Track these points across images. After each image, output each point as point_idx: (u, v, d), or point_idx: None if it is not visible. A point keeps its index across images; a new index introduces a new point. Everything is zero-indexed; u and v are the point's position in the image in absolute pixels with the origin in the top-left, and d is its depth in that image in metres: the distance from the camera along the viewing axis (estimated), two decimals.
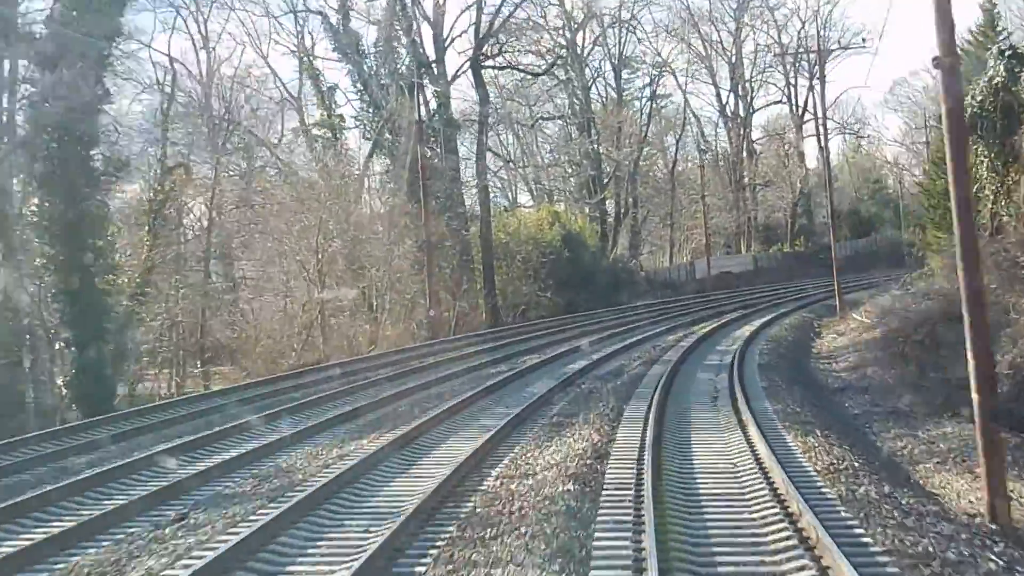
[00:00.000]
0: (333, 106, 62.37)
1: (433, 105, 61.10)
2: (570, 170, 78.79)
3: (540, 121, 79.00)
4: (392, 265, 47.89)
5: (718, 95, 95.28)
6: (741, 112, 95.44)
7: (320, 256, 43.95)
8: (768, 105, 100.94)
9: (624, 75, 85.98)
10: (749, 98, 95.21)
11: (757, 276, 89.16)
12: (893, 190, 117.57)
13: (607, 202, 75.96)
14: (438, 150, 58.47)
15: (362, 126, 61.31)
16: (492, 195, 68.33)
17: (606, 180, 76.66)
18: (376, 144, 59.93)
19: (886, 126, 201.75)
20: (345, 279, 45.82)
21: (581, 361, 30.13)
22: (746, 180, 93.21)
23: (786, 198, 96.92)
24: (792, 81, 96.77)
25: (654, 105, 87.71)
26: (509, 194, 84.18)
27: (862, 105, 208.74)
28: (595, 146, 73.26)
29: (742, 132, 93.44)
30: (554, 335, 41.40)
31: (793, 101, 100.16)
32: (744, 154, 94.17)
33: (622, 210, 75.35)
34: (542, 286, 61.88)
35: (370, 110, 60.09)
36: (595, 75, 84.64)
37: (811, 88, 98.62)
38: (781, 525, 10.80)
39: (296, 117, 64.98)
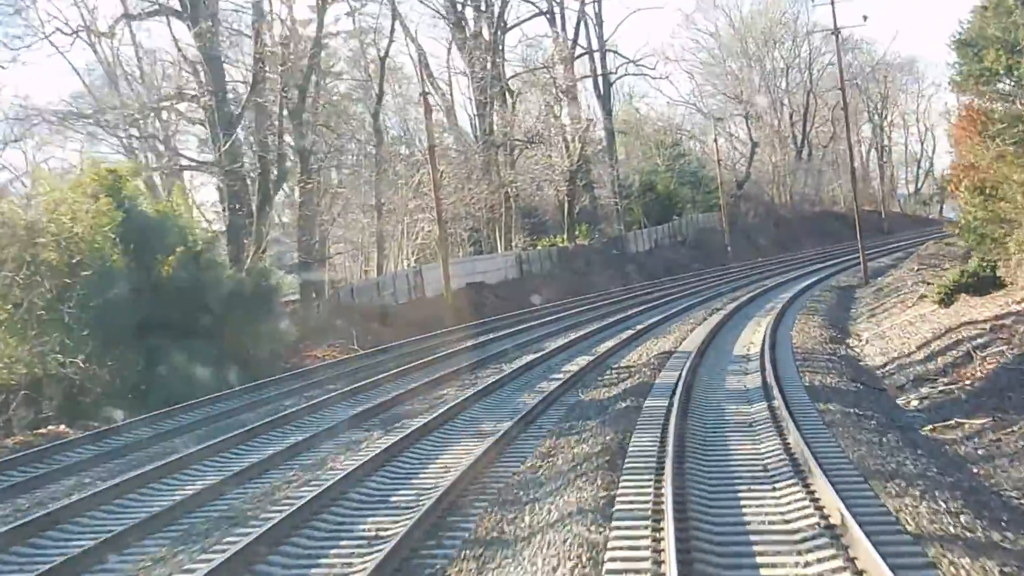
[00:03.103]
0: None
1: None
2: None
3: None
4: None
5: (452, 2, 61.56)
6: (486, 33, 62.00)
7: None
8: (527, 19, 68.34)
9: None
10: (496, 11, 62.02)
11: (523, 287, 56.02)
12: (698, 157, 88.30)
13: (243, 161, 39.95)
14: None
15: None
16: None
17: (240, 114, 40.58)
18: None
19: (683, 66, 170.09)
20: None
21: None
22: (499, 135, 59.74)
23: (557, 167, 64.34)
24: None
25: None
26: None
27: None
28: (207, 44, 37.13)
29: (490, 62, 59.86)
30: None
31: (560, 22, 68.04)
32: (492, 101, 60.68)
33: (271, 179, 39.42)
34: (68, 340, 25.52)
35: None
36: None
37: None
38: None
39: None
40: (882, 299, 31.53)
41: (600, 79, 74.01)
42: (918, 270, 37.61)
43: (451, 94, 61.64)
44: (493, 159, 59.43)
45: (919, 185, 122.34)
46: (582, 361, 23.20)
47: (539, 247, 63.74)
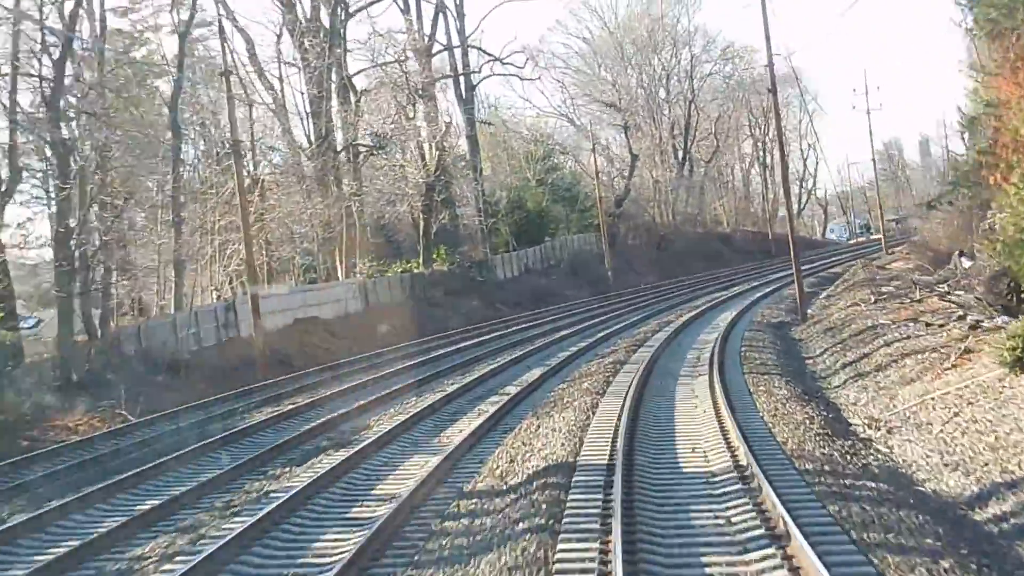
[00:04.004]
0: None
1: None
2: None
3: None
4: None
5: None
6: (324, 17, 51.30)
7: None
8: (373, 2, 58.00)
9: None
10: None
11: (368, 322, 45.67)
12: (572, 172, 79.09)
13: None
14: None
15: None
16: None
17: None
18: None
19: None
20: None
21: None
22: (340, 140, 48.99)
23: (412, 179, 54.13)
24: None
25: None
26: None
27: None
28: None
29: (326, 53, 49.04)
30: None
31: (415, 11, 58.06)
32: (328, 97, 49.91)
33: None
34: None
35: None
36: None
37: None
38: None
39: None
40: (851, 346, 22.24)
41: (462, 79, 64.09)
42: (875, 301, 28.71)
43: (282, 90, 50.54)
44: (331, 167, 48.63)
45: (802, 205, 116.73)
46: (430, 473, 12.97)
47: (389, 274, 53.27)
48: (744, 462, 11.55)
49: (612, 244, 65.17)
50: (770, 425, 14.20)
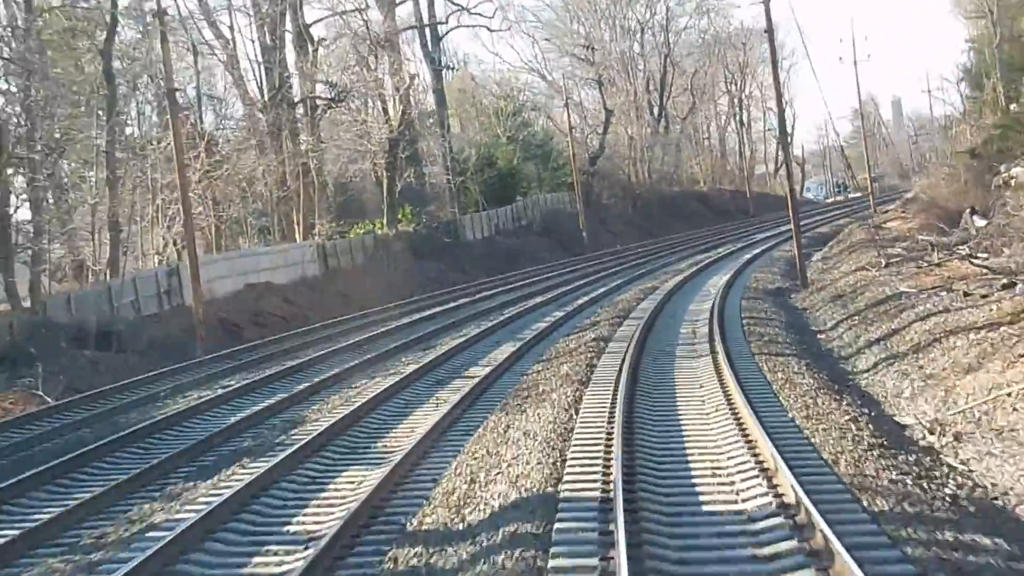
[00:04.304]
0: None
1: None
2: None
3: None
4: None
5: None
6: None
7: None
8: None
9: None
10: None
11: (328, 288, 42.57)
12: (544, 129, 75.48)
13: None
14: None
15: None
16: None
17: None
18: None
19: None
20: None
21: None
22: (295, 91, 45.21)
23: (375, 135, 50.55)
24: None
25: None
26: None
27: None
28: None
29: None
30: None
31: None
32: (282, 45, 46.03)
33: None
34: None
35: None
36: None
37: None
38: None
39: None
40: (872, 320, 19.18)
41: (427, 31, 60.23)
42: (886, 265, 25.68)
43: (233, 40, 46.44)
44: (286, 121, 44.88)
45: (778, 163, 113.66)
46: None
47: (352, 235, 49.78)
48: (790, 498, 8.40)
49: (587, 203, 61.86)
50: (807, 433, 11.06)
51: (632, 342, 18.67)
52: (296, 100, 46.65)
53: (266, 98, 43.34)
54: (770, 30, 27.56)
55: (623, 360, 16.72)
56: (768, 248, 44.19)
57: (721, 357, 15.93)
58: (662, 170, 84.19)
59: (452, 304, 35.21)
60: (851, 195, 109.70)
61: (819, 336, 20.04)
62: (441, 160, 59.36)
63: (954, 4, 65.80)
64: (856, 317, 20.23)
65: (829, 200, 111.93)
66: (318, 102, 47.08)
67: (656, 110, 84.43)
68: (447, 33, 63.86)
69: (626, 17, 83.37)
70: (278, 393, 18.95)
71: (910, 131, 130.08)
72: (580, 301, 30.30)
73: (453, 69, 64.92)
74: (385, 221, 51.58)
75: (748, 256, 41.27)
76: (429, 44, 60.75)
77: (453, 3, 61.16)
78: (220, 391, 19.97)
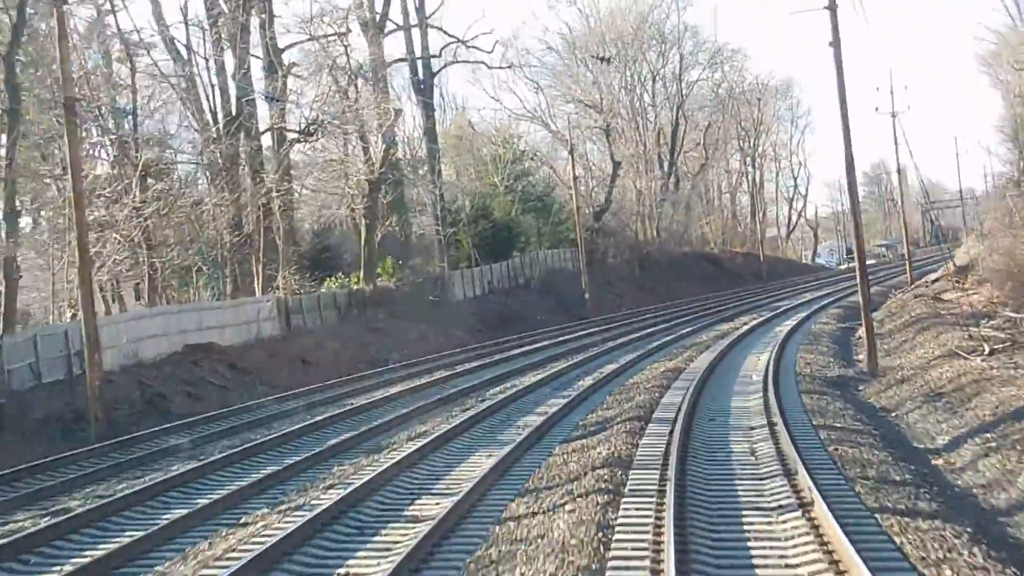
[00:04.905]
0: None
1: None
2: None
3: None
4: None
5: None
6: None
7: None
8: None
9: None
10: None
11: (288, 350, 36.42)
12: (546, 179, 69.45)
13: None
14: None
15: None
16: None
17: None
18: None
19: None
20: None
21: None
22: (253, 117, 39.21)
23: (352, 176, 44.65)
24: None
25: None
26: None
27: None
28: None
29: (240, 11, 39.23)
30: None
31: None
32: (245, 67, 40.09)
33: None
34: None
35: None
36: None
37: None
38: None
39: None
40: (1020, 442, 12.90)
41: (420, 64, 54.53)
42: (990, 353, 19.38)
43: (190, 57, 40.37)
44: (247, 153, 38.76)
45: (791, 226, 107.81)
46: None
47: (326, 289, 43.56)
48: None
49: (590, 262, 55.69)
50: None
51: (664, 478, 12.17)
52: (261, 130, 40.64)
53: (220, 124, 37.22)
54: (836, 41, 21.55)
55: (654, 525, 10.25)
56: (803, 319, 37.91)
57: (823, 515, 9.52)
58: (671, 228, 78.29)
59: (427, 379, 28.76)
60: (853, 264, 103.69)
61: (935, 462, 13.61)
62: (431, 208, 53.39)
63: (992, 59, 59.88)
64: (988, 434, 13.86)
65: (843, 266, 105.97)
66: (287, 134, 41.03)
67: (667, 164, 78.75)
68: (442, 69, 58.28)
69: (637, 63, 77.94)
70: (162, 515, 12.72)
71: (919, 197, 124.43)
72: (584, 382, 23.93)
73: (445, 111, 59.22)
74: (362, 274, 45.38)
75: (780, 328, 34.96)
76: (421, 77, 55.07)
77: (448, 35, 55.61)
78: (102, 500, 13.92)
